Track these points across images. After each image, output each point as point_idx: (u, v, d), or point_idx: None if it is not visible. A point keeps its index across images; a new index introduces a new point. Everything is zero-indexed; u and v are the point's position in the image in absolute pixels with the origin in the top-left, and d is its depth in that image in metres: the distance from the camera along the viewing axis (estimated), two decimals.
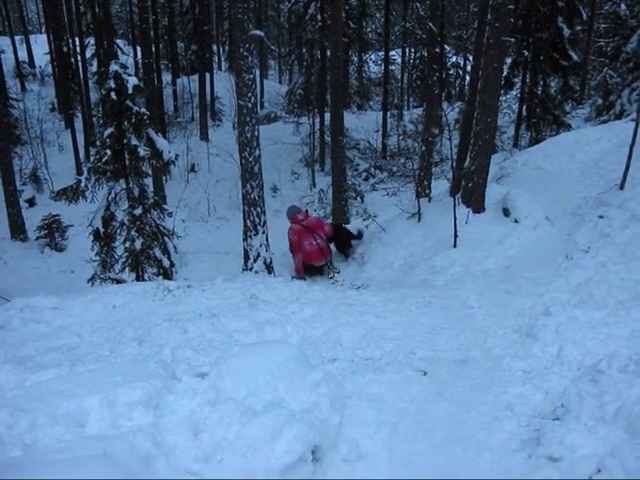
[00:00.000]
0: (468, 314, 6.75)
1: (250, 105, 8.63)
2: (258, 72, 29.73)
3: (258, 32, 8.41)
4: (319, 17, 19.91)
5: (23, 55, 34.06)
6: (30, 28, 41.22)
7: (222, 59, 37.65)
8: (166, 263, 9.80)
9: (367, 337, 6.00)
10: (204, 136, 23.56)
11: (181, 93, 28.14)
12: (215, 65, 34.69)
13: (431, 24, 10.96)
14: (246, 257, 9.42)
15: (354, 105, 27.38)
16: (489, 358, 5.40)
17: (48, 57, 29.73)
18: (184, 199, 18.38)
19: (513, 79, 18.37)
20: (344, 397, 4.19)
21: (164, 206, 10.31)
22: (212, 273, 9.91)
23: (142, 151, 9.17)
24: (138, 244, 9.54)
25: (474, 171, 9.64)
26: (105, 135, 9.27)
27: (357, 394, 4.34)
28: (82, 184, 9.38)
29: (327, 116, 20.83)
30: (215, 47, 35.01)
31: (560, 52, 16.26)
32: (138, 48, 26.88)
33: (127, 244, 9.58)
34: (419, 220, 10.15)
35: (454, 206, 8.93)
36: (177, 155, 9.95)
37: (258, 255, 9.25)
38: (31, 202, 19.33)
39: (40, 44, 35.35)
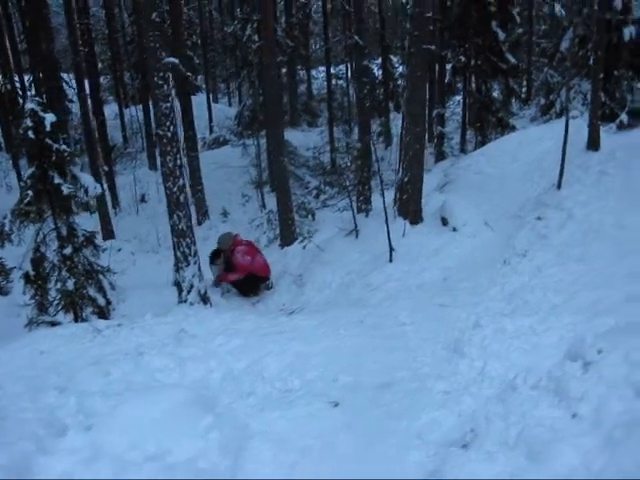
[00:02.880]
0: (400, 332, 6.55)
1: (170, 134, 8.38)
2: (205, 96, 29.53)
3: (172, 59, 8.18)
4: (256, 38, 19.74)
5: None
6: None
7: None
8: (101, 302, 9.46)
9: (291, 366, 5.77)
10: (153, 165, 23.22)
11: (129, 123, 27.81)
12: None
13: (357, 37, 10.86)
14: (179, 289, 9.15)
15: (304, 123, 27.25)
16: (415, 378, 5.20)
17: None
18: (133, 230, 18.02)
19: (456, 85, 18.44)
20: (246, 438, 3.96)
21: (97, 242, 9.91)
22: (151, 308, 9.59)
23: (66, 189, 8.85)
24: (70, 284, 9.22)
25: (408, 182, 9.51)
26: (26, 176, 8.97)
27: (261, 433, 4.10)
28: (6, 227, 9.05)
29: None
30: None
31: (497, 56, 16.33)
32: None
33: (58, 285, 9.25)
34: (357, 236, 9.95)
35: (386, 219, 8.76)
36: (103, 190, 9.67)
37: (192, 286, 8.96)
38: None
39: None
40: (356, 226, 9.98)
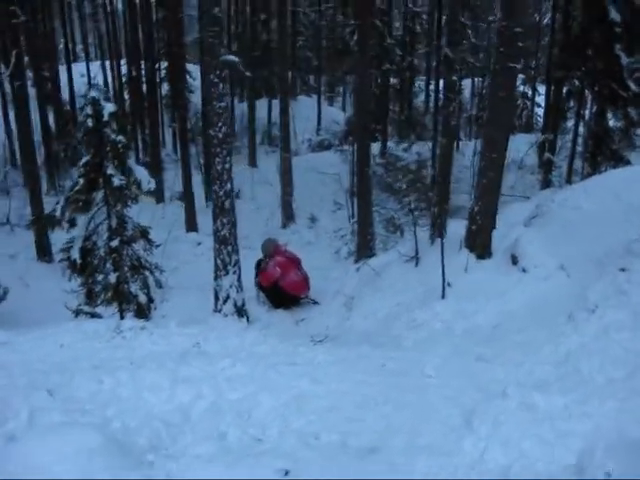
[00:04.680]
0: (421, 385, 5.74)
1: (221, 135, 7.97)
2: (317, 97, 29.27)
3: (231, 57, 7.75)
4: None
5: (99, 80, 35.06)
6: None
7: None
8: (142, 299, 9.20)
9: (284, 407, 5.12)
10: (252, 162, 23.23)
11: (240, 117, 27.85)
12: None
13: (447, 49, 10.03)
14: (216, 298, 8.75)
15: (413, 134, 26.43)
16: (406, 451, 4.39)
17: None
18: None
19: (568, 109, 17.11)
20: None
21: (150, 237, 9.65)
22: (189, 312, 9.28)
23: (117, 180, 8.66)
24: (112, 277, 9.02)
25: (478, 212, 8.63)
26: (81, 163, 8.84)
27: None
28: (58, 213, 8.99)
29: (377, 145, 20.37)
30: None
31: (617, 82, 14.92)
32: None
33: (100, 277, 9.08)
34: (416, 264, 9.16)
35: (442, 251, 7.93)
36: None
37: (228, 297, 8.54)
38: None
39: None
40: (417, 253, 9.20)
